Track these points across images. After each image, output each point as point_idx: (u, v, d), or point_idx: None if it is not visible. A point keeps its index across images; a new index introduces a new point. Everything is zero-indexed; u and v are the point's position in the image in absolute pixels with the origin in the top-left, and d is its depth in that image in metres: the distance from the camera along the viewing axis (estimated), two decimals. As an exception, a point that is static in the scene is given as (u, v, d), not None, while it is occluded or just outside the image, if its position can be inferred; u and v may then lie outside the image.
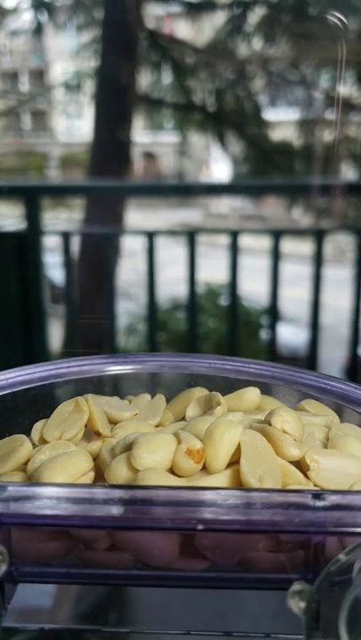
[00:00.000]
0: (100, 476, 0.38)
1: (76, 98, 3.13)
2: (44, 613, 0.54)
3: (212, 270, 1.93)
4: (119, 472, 0.36)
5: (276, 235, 1.54)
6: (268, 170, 2.71)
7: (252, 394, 0.45)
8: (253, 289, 2.00)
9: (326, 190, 1.86)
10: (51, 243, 1.62)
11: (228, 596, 0.49)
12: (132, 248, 1.92)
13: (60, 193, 2.03)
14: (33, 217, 1.56)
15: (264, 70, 2.54)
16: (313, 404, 0.47)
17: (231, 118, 2.58)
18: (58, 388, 0.50)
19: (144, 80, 2.53)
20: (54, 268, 1.78)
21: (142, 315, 2.09)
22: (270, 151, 2.64)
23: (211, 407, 0.44)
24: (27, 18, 2.49)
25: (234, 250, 1.53)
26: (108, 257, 1.55)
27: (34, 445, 0.40)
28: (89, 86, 2.67)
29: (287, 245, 1.58)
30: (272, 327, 1.66)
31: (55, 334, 1.79)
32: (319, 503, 0.31)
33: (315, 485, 0.36)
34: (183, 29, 2.60)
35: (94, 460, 0.39)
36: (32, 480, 0.37)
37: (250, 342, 2.37)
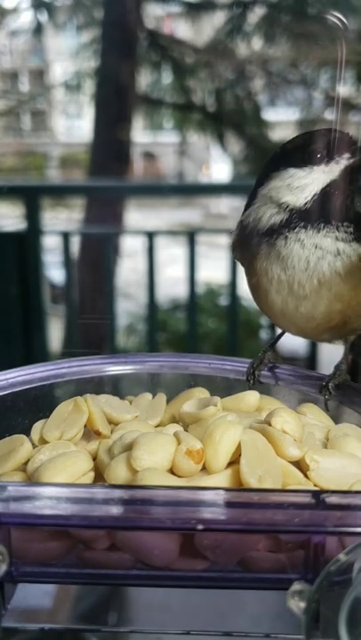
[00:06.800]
0: (100, 476, 0.38)
1: (76, 98, 3.12)
2: (44, 613, 0.54)
3: (212, 270, 1.93)
4: (119, 472, 0.36)
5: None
6: (268, 170, 2.71)
7: (251, 397, 0.45)
8: (253, 289, 1.99)
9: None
10: (50, 243, 1.62)
11: (228, 596, 0.49)
12: (132, 248, 1.92)
13: (60, 193, 2.03)
14: (33, 217, 1.56)
15: (264, 70, 2.53)
16: (311, 407, 0.46)
17: (231, 118, 2.58)
18: (58, 388, 0.50)
19: (144, 80, 2.52)
20: (54, 268, 1.78)
21: (142, 315, 2.09)
22: (270, 151, 2.63)
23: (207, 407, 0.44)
24: (27, 18, 2.49)
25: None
26: (107, 257, 1.55)
27: (34, 445, 0.40)
28: (89, 86, 2.67)
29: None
30: (272, 327, 1.66)
31: (55, 334, 1.78)
32: (319, 503, 0.31)
33: (315, 485, 0.36)
34: (183, 29, 2.59)
35: (94, 459, 0.39)
36: (32, 480, 0.37)
37: (250, 342, 2.36)
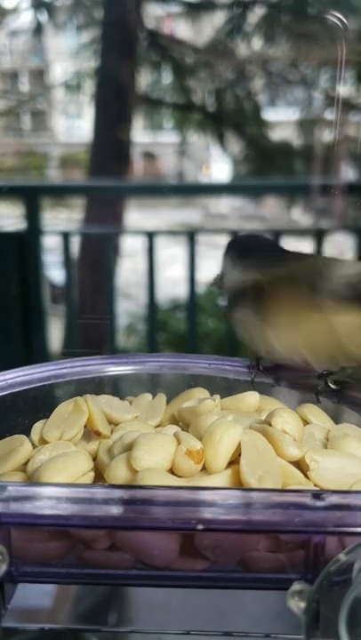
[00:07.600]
0: (100, 476, 0.38)
1: (76, 98, 3.12)
2: (44, 613, 0.54)
3: (212, 270, 1.92)
4: (119, 472, 0.36)
5: (276, 235, 1.54)
6: (268, 170, 2.71)
7: (251, 397, 0.45)
8: (253, 289, 1.99)
9: (326, 190, 1.85)
10: (50, 243, 1.62)
11: (228, 596, 0.49)
12: (132, 248, 1.92)
13: (60, 193, 2.04)
14: (33, 217, 1.56)
15: (264, 70, 2.53)
16: (311, 408, 0.46)
17: (231, 118, 2.58)
18: (58, 388, 0.50)
19: (144, 80, 2.52)
20: (54, 268, 1.78)
21: (142, 315, 2.09)
22: (270, 151, 2.63)
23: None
24: (27, 18, 2.48)
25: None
26: (107, 257, 1.55)
27: (34, 445, 0.40)
28: (89, 86, 2.67)
29: (287, 245, 1.57)
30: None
31: (55, 334, 1.78)
32: (319, 503, 0.31)
33: (315, 485, 0.36)
34: (183, 29, 2.59)
35: (94, 460, 0.39)
36: (32, 480, 0.37)
37: (250, 342, 2.36)
